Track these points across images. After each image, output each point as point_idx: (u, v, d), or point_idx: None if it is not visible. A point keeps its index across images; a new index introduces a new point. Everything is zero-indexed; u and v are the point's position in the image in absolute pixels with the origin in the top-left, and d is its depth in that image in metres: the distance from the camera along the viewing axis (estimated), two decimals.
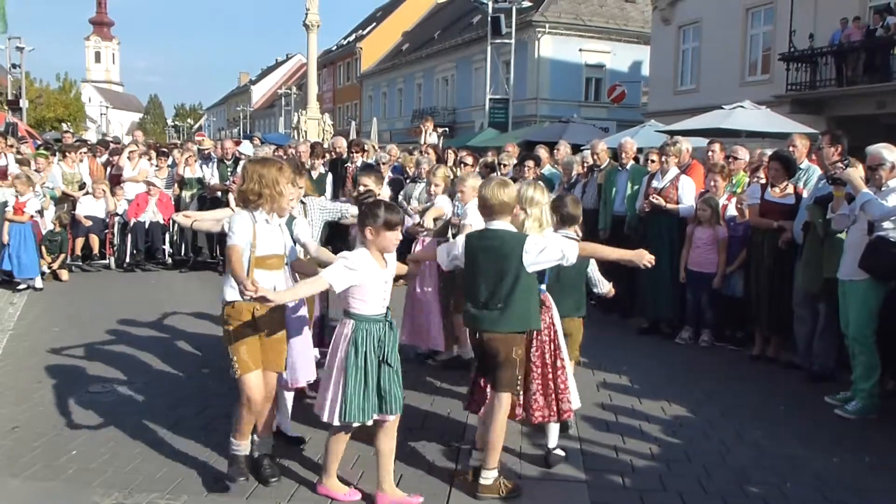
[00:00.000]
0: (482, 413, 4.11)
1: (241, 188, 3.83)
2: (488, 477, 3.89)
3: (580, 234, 4.75)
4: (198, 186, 11.64)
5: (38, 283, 9.44)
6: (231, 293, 3.81)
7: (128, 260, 11.12)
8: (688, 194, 7.50)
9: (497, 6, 25.79)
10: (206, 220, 4.71)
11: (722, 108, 13.39)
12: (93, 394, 5.41)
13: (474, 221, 5.90)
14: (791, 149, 7.08)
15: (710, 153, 8.23)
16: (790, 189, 6.66)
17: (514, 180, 5.39)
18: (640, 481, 4.18)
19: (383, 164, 9.50)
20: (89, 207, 11.12)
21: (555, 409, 4.18)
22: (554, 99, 30.65)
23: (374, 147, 13.05)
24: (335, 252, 5.28)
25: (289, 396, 4.49)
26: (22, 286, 9.24)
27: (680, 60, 24.58)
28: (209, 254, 11.67)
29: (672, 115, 19.29)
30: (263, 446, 4.08)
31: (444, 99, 38.90)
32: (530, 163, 8.74)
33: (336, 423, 3.65)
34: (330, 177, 10.26)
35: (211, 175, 11.36)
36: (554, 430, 4.36)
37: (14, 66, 37.95)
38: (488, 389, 4.03)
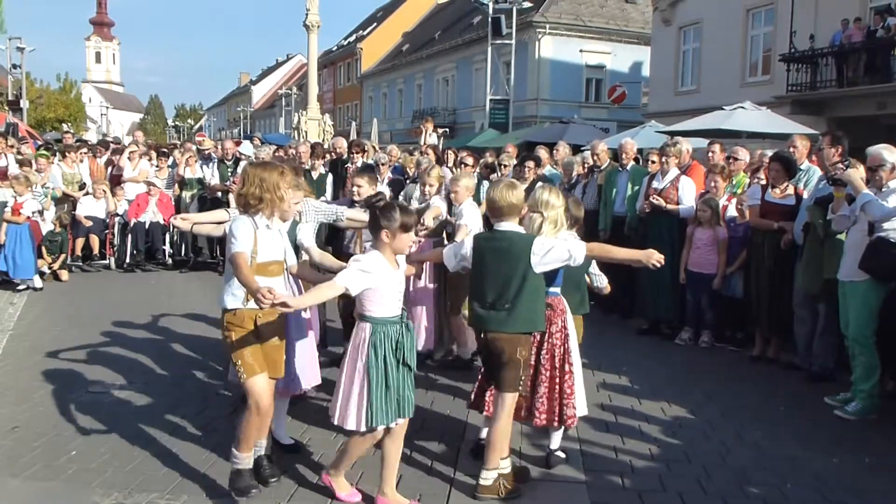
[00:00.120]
0: (489, 411, 4.11)
1: (242, 191, 3.73)
2: (488, 477, 3.88)
3: (577, 237, 4.74)
4: (198, 187, 11.65)
5: (38, 282, 9.45)
6: (232, 301, 3.72)
7: (128, 260, 11.12)
8: (688, 195, 7.50)
9: (497, 7, 25.79)
10: (206, 224, 4.66)
11: (722, 109, 13.38)
12: (93, 394, 5.42)
13: (470, 222, 5.92)
14: (791, 150, 7.08)
15: (710, 154, 8.24)
16: (790, 190, 6.66)
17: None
18: (639, 482, 4.18)
19: (383, 164, 9.49)
20: (89, 208, 11.13)
21: (558, 413, 4.18)
22: (554, 100, 30.65)
23: (374, 147, 13.05)
24: (335, 253, 5.30)
25: (284, 404, 4.46)
26: (22, 286, 9.24)
27: (680, 61, 24.58)
28: (209, 254, 11.67)
29: (672, 115, 19.31)
30: (259, 448, 4.00)
31: (445, 99, 38.90)
32: (530, 163, 8.73)
33: (363, 429, 3.57)
34: (330, 177, 10.27)
35: (211, 175, 11.37)
36: (557, 432, 4.36)
37: (14, 66, 37.98)
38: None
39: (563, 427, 4.29)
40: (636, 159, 8.67)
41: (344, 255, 5.41)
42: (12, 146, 12.62)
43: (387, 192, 8.92)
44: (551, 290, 4.15)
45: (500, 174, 9.56)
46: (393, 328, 3.58)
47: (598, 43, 31.35)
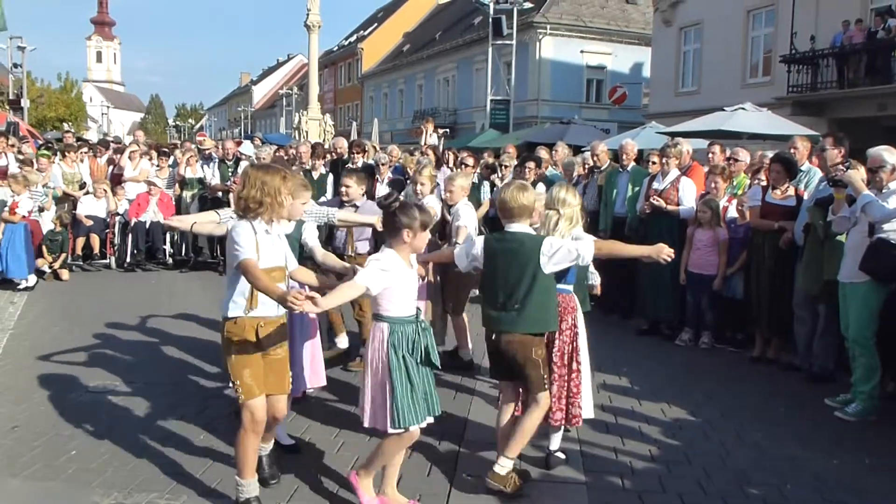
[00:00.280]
0: (519, 411, 4.10)
1: (242, 194, 3.56)
2: (505, 465, 3.90)
3: None
4: (199, 187, 11.65)
5: (30, 281, 9.34)
6: (233, 308, 3.59)
7: (128, 260, 11.12)
8: (688, 196, 7.51)
9: (498, 7, 25.81)
10: (206, 224, 4.63)
11: (723, 110, 13.38)
12: (93, 393, 5.42)
13: (468, 223, 5.92)
14: (792, 151, 7.08)
15: (710, 155, 8.24)
16: (791, 191, 6.66)
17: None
18: (639, 483, 4.18)
19: (383, 164, 9.50)
20: (90, 207, 11.13)
21: (565, 412, 4.18)
22: (555, 100, 30.65)
23: (374, 148, 13.04)
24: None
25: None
26: (21, 286, 9.23)
27: (681, 62, 24.57)
28: (210, 254, 11.67)
29: (673, 116, 19.30)
30: (262, 450, 3.96)
31: (445, 100, 38.91)
32: (531, 164, 8.75)
33: (391, 430, 3.52)
34: (331, 177, 10.26)
35: (212, 175, 11.37)
36: (557, 433, 4.36)
37: (15, 65, 38.02)
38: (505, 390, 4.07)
39: (570, 426, 4.30)
40: (636, 160, 8.67)
41: (336, 255, 5.40)
42: (13, 145, 12.62)
43: (386, 191, 8.93)
44: (562, 287, 4.16)
45: (500, 175, 9.58)
46: (409, 327, 3.56)
47: (598, 44, 31.35)
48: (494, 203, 9.17)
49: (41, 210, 10.13)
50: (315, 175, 9.94)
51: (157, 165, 12.37)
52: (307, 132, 24.25)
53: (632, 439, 4.82)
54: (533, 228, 4.09)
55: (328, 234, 6.86)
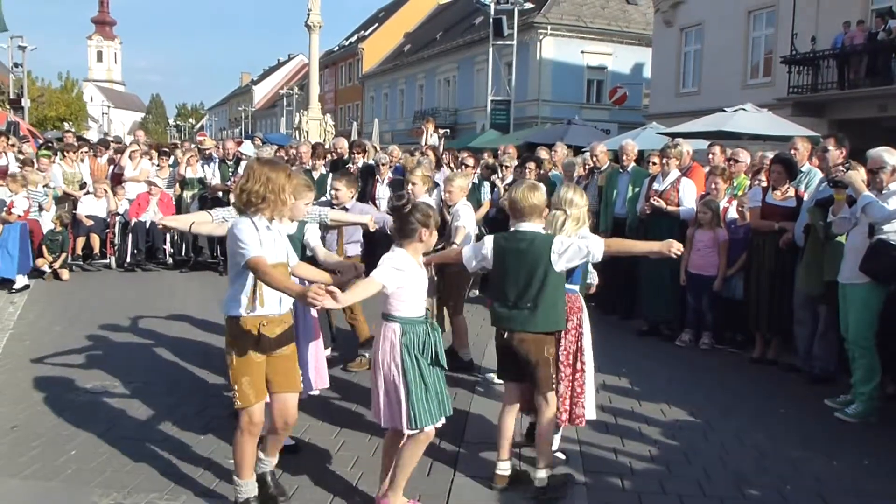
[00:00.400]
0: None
1: (245, 187, 3.47)
2: (543, 478, 3.93)
3: None
4: (199, 186, 11.66)
5: (19, 283, 9.24)
6: (236, 307, 3.53)
7: (128, 260, 11.12)
8: (688, 197, 7.50)
9: (499, 7, 25.79)
10: (206, 224, 4.60)
11: (723, 111, 13.37)
12: (92, 393, 5.42)
13: (467, 224, 5.91)
14: (793, 151, 7.08)
15: (710, 156, 8.23)
16: (791, 192, 6.66)
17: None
18: (639, 483, 4.18)
19: (384, 164, 9.50)
20: (90, 207, 11.13)
21: (569, 412, 4.18)
22: (555, 101, 30.66)
23: (375, 148, 13.04)
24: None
25: None
26: (19, 285, 9.21)
27: (682, 63, 24.57)
28: (210, 254, 11.67)
29: (673, 117, 19.30)
30: (267, 465, 3.87)
31: (446, 100, 38.92)
32: (531, 164, 8.75)
33: (407, 431, 3.51)
34: (331, 177, 10.25)
35: (212, 175, 11.37)
36: (557, 433, 4.36)
37: (16, 64, 38.04)
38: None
39: (572, 425, 4.30)
40: (637, 161, 8.66)
41: None
42: (13, 145, 12.61)
43: (387, 192, 8.94)
44: (568, 287, 4.17)
45: (501, 175, 9.58)
46: (420, 328, 3.57)
47: (599, 44, 31.36)
48: (495, 203, 9.21)
49: (41, 210, 10.13)
50: (315, 175, 9.93)
51: (158, 165, 12.37)
52: (308, 132, 24.25)
53: (632, 440, 4.82)
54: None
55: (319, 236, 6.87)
